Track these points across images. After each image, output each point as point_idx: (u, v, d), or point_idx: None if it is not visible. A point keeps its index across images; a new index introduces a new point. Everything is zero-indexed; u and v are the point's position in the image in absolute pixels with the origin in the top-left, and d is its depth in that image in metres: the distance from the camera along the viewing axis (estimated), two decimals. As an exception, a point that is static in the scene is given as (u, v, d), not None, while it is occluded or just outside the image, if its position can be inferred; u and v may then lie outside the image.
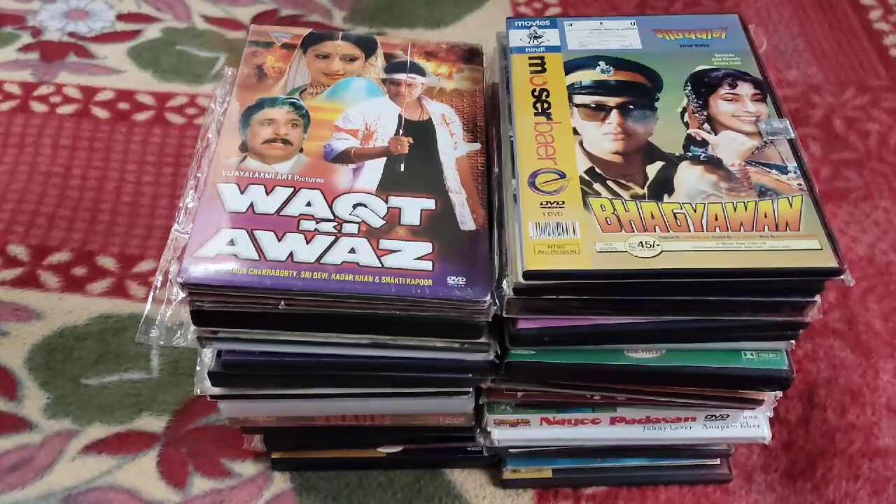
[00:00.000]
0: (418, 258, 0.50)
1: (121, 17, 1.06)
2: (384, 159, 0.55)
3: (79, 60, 1.00)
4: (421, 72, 0.62)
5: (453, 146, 0.57)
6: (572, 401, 0.57)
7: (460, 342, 0.51)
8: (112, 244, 0.82)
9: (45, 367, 0.72)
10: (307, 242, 0.50)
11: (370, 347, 0.51)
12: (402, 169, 0.55)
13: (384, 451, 0.65)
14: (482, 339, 0.51)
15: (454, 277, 0.49)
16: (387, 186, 0.54)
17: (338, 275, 0.48)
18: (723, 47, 0.60)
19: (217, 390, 0.55)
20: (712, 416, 0.59)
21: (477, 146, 0.57)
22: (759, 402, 0.55)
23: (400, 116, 0.58)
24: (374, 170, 0.55)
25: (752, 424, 0.60)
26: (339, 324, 0.50)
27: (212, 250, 0.49)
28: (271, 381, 0.55)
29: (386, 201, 0.53)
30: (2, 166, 0.88)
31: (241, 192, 0.52)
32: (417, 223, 0.52)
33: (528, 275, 0.47)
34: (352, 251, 0.50)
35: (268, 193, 0.52)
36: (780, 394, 0.55)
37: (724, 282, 0.48)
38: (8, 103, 0.94)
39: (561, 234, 0.48)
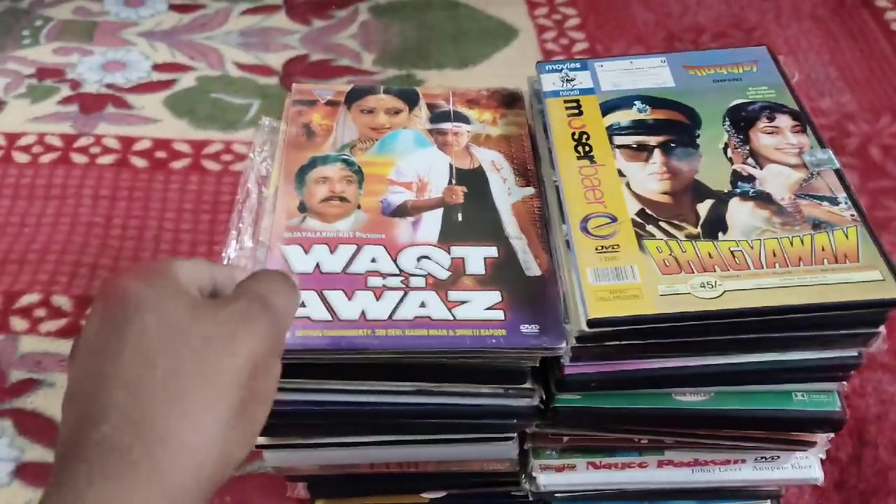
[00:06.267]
0: (489, 308, 0.49)
1: (156, 67, 1.08)
2: (441, 210, 0.55)
3: (117, 111, 1.02)
4: (465, 120, 0.62)
5: (507, 192, 0.57)
6: (619, 445, 0.57)
7: (505, 388, 0.51)
8: (152, 292, 0.83)
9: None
10: (377, 299, 0.50)
11: (415, 395, 0.51)
12: (460, 218, 0.55)
13: (428, 496, 0.64)
14: (527, 385, 0.50)
15: (527, 326, 0.48)
16: (447, 237, 0.54)
17: (411, 330, 0.48)
18: (756, 80, 0.60)
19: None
20: (762, 457, 0.58)
21: (531, 190, 0.57)
22: (812, 444, 0.54)
23: (451, 166, 0.58)
24: (432, 221, 0.54)
25: (804, 465, 0.58)
26: (386, 372, 0.50)
27: None
28: (317, 430, 0.55)
29: (448, 252, 0.53)
30: (45, 218, 0.90)
31: (306, 253, 0.52)
32: (482, 272, 0.51)
33: (592, 323, 0.46)
34: (422, 305, 0.49)
35: (332, 252, 0.52)
36: (831, 434, 0.54)
37: (789, 318, 0.47)
38: (49, 155, 0.96)
39: (620, 278, 0.48)
